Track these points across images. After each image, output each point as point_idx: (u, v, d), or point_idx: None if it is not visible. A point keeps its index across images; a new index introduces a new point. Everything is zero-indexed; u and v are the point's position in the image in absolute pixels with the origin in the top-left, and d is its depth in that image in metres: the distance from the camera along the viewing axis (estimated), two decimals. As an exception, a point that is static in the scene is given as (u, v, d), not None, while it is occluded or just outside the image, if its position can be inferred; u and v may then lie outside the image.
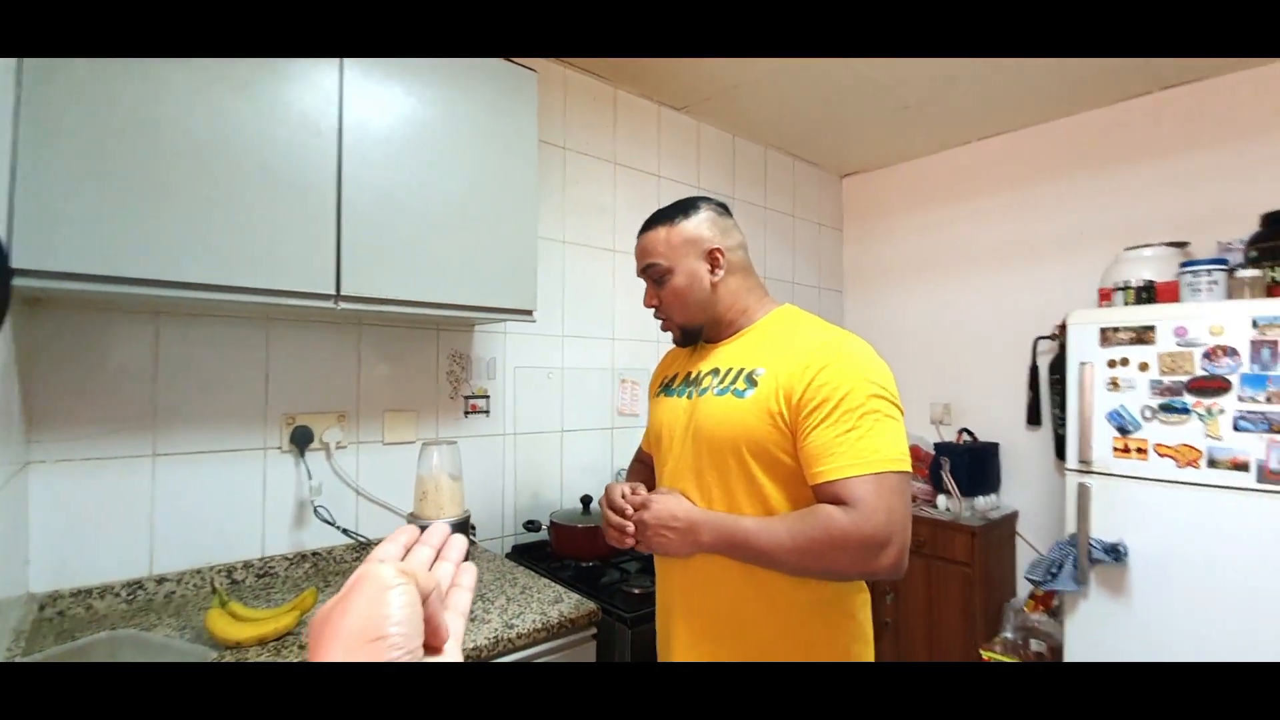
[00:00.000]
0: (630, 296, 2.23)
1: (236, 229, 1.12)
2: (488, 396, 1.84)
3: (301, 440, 1.48)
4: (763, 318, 1.05)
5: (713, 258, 1.03)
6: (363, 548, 1.57)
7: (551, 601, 1.34)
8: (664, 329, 1.10)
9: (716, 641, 0.98)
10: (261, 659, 1.06)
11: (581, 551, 1.75)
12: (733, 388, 0.98)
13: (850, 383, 0.88)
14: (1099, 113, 2.34)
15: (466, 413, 1.80)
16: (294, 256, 1.18)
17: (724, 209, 1.08)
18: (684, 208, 1.05)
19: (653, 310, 1.09)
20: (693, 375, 1.08)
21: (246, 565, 1.42)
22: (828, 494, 0.86)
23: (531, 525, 1.84)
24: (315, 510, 1.49)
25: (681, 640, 1.03)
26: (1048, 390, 2.38)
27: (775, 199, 2.80)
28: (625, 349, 2.21)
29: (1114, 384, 1.84)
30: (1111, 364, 1.84)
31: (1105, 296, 2.05)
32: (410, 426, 1.67)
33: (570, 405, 2.05)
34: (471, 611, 1.26)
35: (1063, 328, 2.01)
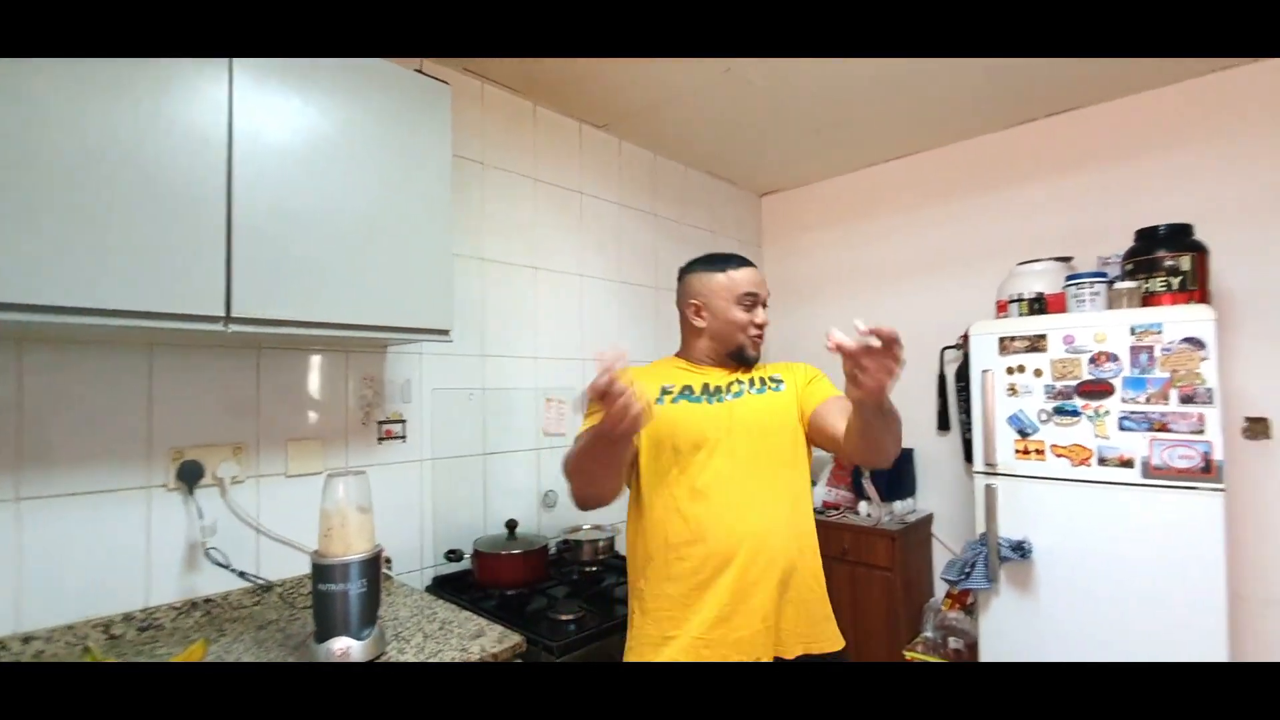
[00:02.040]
0: (555, 314, 2.19)
1: (111, 247, 1.02)
2: (403, 421, 1.75)
3: (191, 476, 1.36)
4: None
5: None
6: (263, 591, 1.45)
7: (472, 636, 1.28)
8: (756, 344, 1.28)
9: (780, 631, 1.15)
10: None
11: (507, 580, 1.69)
12: (768, 387, 1.25)
13: (810, 371, 1.30)
14: (992, 137, 2.51)
15: (380, 439, 1.70)
16: (177, 277, 1.09)
17: None
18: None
19: (757, 327, 1.27)
20: (712, 386, 1.24)
21: (128, 618, 1.28)
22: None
23: (453, 555, 1.76)
24: (207, 552, 1.36)
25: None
26: (955, 397, 2.51)
27: (695, 216, 2.85)
28: (550, 368, 2.17)
29: (1013, 389, 1.96)
30: (1010, 371, 1.96)
31: (1002, 308, 2.19)
32: (317, 456, 1.57)
33: (493, 427, 1.99)
34: (385, 652, 1.18)
35: (966, 338, 2.13)
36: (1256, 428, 1.95)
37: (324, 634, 1.13)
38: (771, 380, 1.27)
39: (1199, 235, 1.91)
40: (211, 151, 1.13)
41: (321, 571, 1.12)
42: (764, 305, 1.29)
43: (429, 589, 1.74)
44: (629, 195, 2.52)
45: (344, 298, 1.31)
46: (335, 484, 1.15)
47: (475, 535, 1.84)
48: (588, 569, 1.87)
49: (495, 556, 1.71)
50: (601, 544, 1.95)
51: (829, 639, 1.18)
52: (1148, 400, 1.75)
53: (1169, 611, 1.70)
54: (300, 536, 1.51)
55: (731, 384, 1.25)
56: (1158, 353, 1.75)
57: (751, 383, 1.26)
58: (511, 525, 1.83)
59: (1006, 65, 1.98)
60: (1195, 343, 1.71)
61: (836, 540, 2.41)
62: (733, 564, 1.11)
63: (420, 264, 1.44)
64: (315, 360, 1.59)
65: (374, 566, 1.17)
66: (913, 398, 2.68)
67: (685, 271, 1.36)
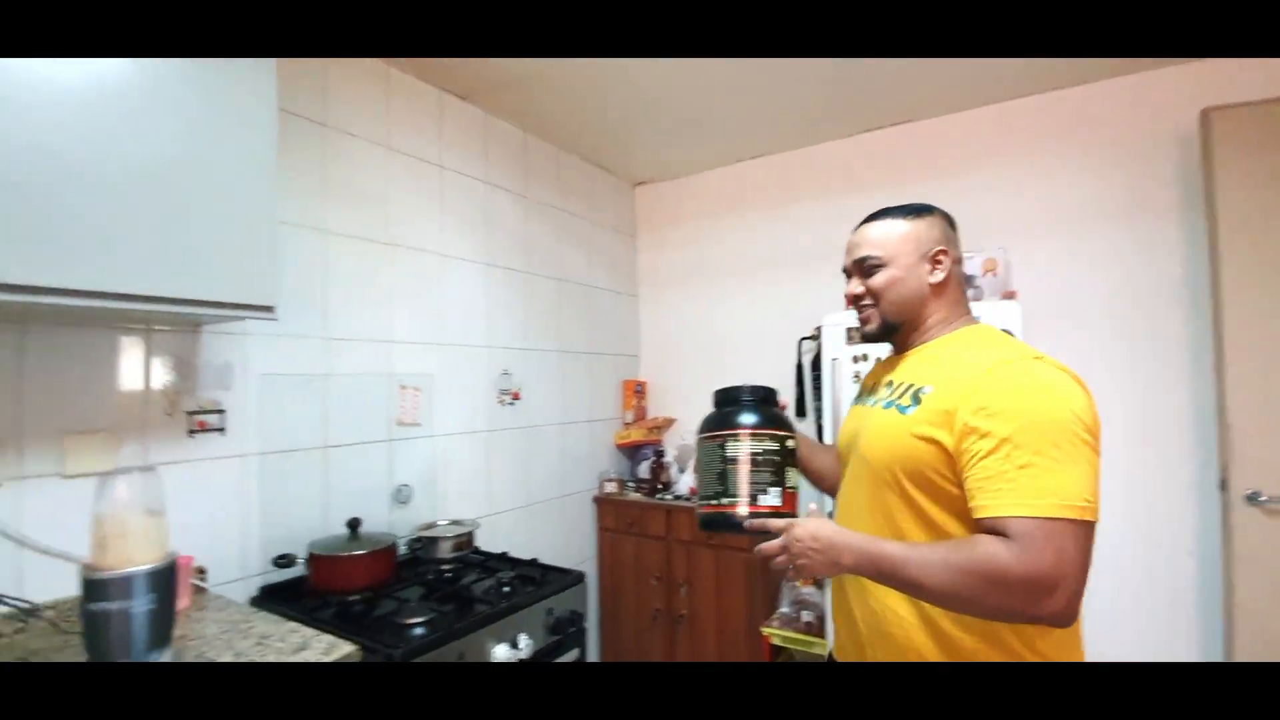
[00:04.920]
0: (412, 295, 2.03)
1: None
2: (222, 411, 1.53)
3: (-83, 480, 1.09)
4: (951, 332, 0.99)
5: (936, 259, 1.00)
6: (28, 615, 1.20)
7: (294, 649, 1.13)
8: (861, 321, 1.06)
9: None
10: None
11: (348, 584, 1.54)
12: (897, 403, 0.95)
13: (1028, 408, 0.80)
14: (843, 142, 2.68)
15: (192, 431, 1.48)
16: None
17: (953, 222, 1.06)
18: (916, 209, 1.03)
19: (854, 301, 1.05)
20: (878, 385, 1.05)
21: None
22: (987, 529, 0.79)
23: (284, 560, 1.57)
24: (-60, 574, 1.10)
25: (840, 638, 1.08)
26: (811, 385, 2.66)
27: (570, 201, 2.78)
28: (406, 352, 2.01)
29: (858, 377, 2.09)
30: (855, 359, 2.09)
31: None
32: (105, 452, 1.32)
33: (337, 417, 1.80)
34: (181, 678, 1.01)
35: (819, 330, 2.25)
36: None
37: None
38: (913, 395, 0.93)
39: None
40: (-66, 70, 0.89)
41: (93, 588, 0.94)
42: (862, 273, 1.03)
43: (254, 600, 1.54)
44: (498, 174, 2.40)
45: (132, 264, 1.10)
46: (112, 483, 0.97)
47: (313, 538, 1.66)
48: (444, 567, 1.76)
49: (333, 559, 1.55)
50: (460, 540, 1.84)
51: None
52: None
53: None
54: (82, 549, 1.26)
55: (884, 385, 1.02)
56: (978, 343, 1.94)
57: (895, 389, 0.98)
58: (354, 524, 1.67)
59: (852, 73, 2.11)
60: (1007, 332, 1.91)
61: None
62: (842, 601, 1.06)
63: (237, 228, 1.25)
64: (104, 339, 1.34)
65: (166, 579, 0.99)
66: (775, 385, 2.80)
67: None
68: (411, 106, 2.07)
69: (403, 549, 1.83)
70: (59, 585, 1.24)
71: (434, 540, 1.81)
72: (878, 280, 1.01)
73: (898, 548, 0.84)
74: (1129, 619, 2.10)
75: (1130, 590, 2.10)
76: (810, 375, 2.63)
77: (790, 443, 1.03)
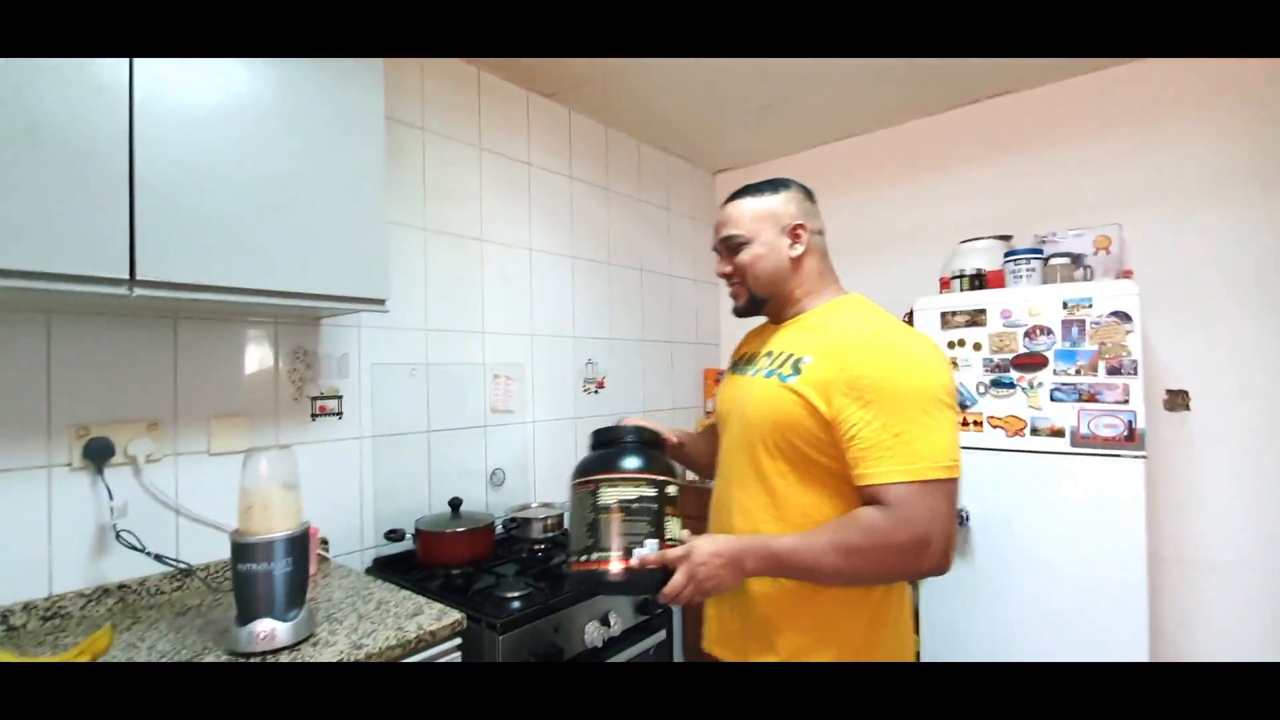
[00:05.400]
0: (503, 288, 2.13)
1: (-12, 199, 0.92)
2: (340, 397, 1.67)
3: (99, 454, 1.26)
4: (825, 304, 1.06)
5: (794, 233, 1.05)
6: (184, 576, 1.36)
7: (410, 615, 1.23)
8: (732, 296, 1.11)
9: (744, 630, 1.02)
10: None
11: (451, 558, 1.64)
12: (779, 372, 0.98)
13: (899, 379, 0.87)
14: (937, 119, 2.55)
15: (315, 416, 1.62)
16: (73, 235, 0.99)
17: (810, 194, 1.12)
18: (773, 185, 1.08)
19: (725, 278, 1.11)
20: (757, 355, 1.09)
21: (28, 607, 1.18)
22: (868, 496, 0.87)
23: (394, 535, 1.70)
24: (118, 535, 1.27)
25: (711, 627, 1.12)
26: (901, 373, 2.56)
27: (650, 193, 2.81)
28: (498, 343, 2.11)
29: (954, 363, 2.00)
30: (951, 345, 2.00)
31: (945, 284, 2.23)
32: (243, 433, 1.48)
33: (438, 404, 1.92)
34: (314, 635, 1.13)
35: (911, 314, 2.17)
36: (1175, 400, 2.05)
37: (246, 617, 1.06)
38: (793, 364, 0.96)
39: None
40: (109, 97, 1.03)
41: (241, 550, 1.06)
42: (729, 250, 1.08)
43: (369, 570, 1.68)
44: (581, 169, 2.46)
45: (268, 263, 1.22)
46: (256, 459, 1.08)
47: (418, 515, 1.78)
48: (537, 547, 1.84)
49: (438, 535, 1.66)
50: (550, 521, 1.92)
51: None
52: (1077, 372, 1.82)
53: (1094, 571, 1.77)
54: (226, 518, 1.42)
55: (763, 355, 1.06)
56: (1088, 326, 1.81)
57: (774, 359, 1.01)
58: (455, 504, 1.77)
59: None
60: (1122, 316, 1.77)
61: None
62: None
63: (352, 229, 1.36)
64: (240, 332, 1.50)
65: (301, 545, 1.10)
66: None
67: None
68: (501, 108, 2.15)
69: (499, 528, 1.93)
70: (207, 550, 1.41)
71: (527, 521, 1.90)
72: (743, 257, 1.06)
73: (788, 540, 0.88)
74: (1264, 617, 1.91)
75: (1265, 585, 1.91)
76: (900, 363, 2.53)
77: (671, 489, 0.94)
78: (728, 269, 1.10)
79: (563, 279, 2.37)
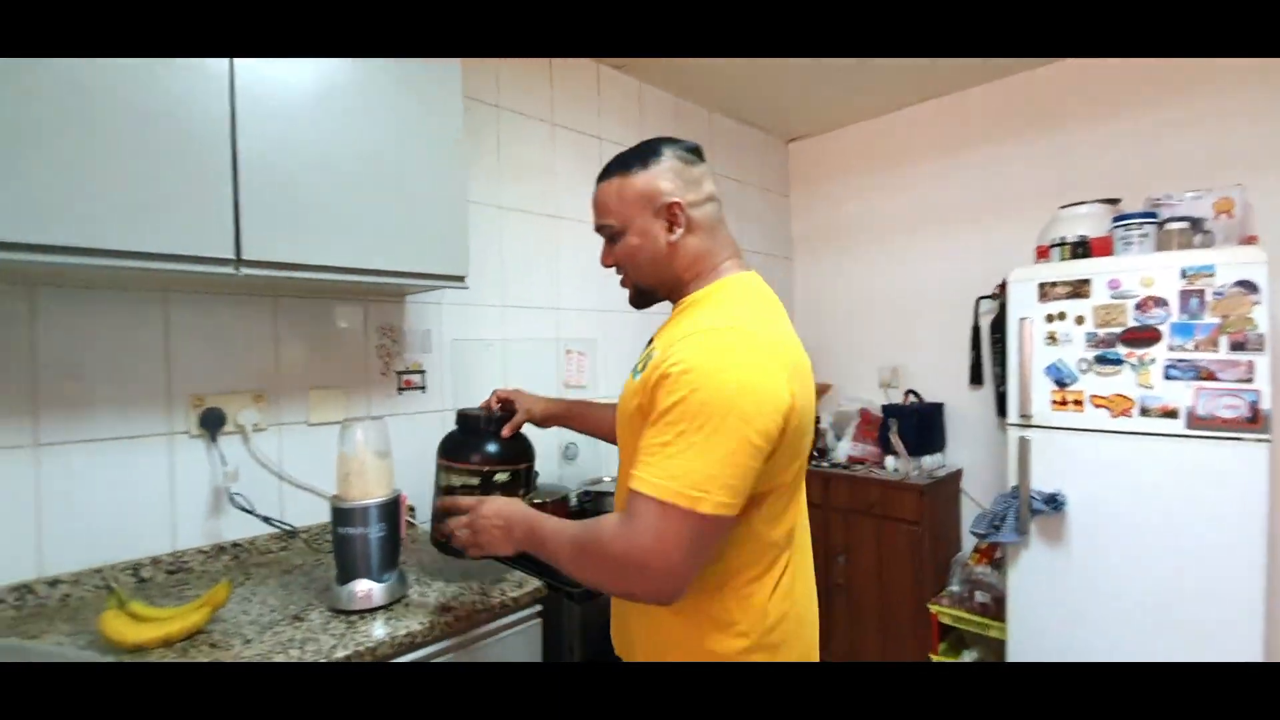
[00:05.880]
0: (576, 264, 2.14)
1: (111, 186, 0.98)
2: (423, 371, 1.74)
3: (213, 423, 1.36)
4: (703, 289, 0.91)
5: (670, 213, 0.89)
6: (288, 536, 1.46)
7: (493, 581, 1.27)
8: (622, 286, 1.00)
9: (619, 632, 1.00)
10: (167, 660, 0.96)
11: (528, 529, 1.68)
12: (637, 367, 0.88)
13: (688, 385, 0.73)
14: (1030, 74, 2.35)
15: (400, 389, 1.69)
16: (185, 217, 1.05)
17: (694, 153, 0.93)
18: (642, 155, 0.91)
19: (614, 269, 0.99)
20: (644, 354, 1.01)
21: (155, 561, 1.29)
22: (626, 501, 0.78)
23: (475, 504, 1.76)
24: (231, 498, 1.37)
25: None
26: (989, 349, 2.42)
27: (721, 163, 2.74)
28: (571, 319, 2.13)
29: (1052, 338, 1.87)
30: (1049, 318, 1.87)
31: (1043, 254, 2.08)
32: (338, 405, 1.56)
33: (514, 379, 1.96)
34: (407, 595, 1.18)
35: (1003, 286, 2.04)
36: (1313, 378, 1.84)
37: (345, 577, 1.13)
38: (649, 359, 0.85)
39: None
40: (214, 84, 1.08)
41: (341, 515, 1.12)
42: (611, 238, 0.95)
43: (452, 538, 1.75)
44: (649, 141, 2.42)
45: (358, 242, 1.27)
46: (353, 429, 1.14)
47: (497, 486, 1.84)
48: (609, 520, 1.86)
49: (517, 506, 1.70)
50: (623, 496, 1.94)
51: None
52: (1196, 347, 1.66)
53: (1204, 565, 1.64)
54: (323, 484, 1.51)
55: (647, 350, 0.92)
56: (1209, 297, 1.65)
57: (646, 355, 0.88)
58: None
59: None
60: (1248, 286, 1.60)
61: (863, 494, 2.38)
62: None
63: (434, 208, 1.39)
64: (333, 309, 1.57)
65: (393, 511, 1.16)
66: (944, 351, 2.60)
67: None
68: (572, 81, 2.14)
69: (572, 500, 1.96)
70: (309, 513, 1.50)
71: (600, 495, 1.92)
72: (620, 250, 0.93)
73: (553, 524, 0.87)
74: None
75: None
76: (990, 339, 2.40)
77: (500, 476, 1.10)
78: (610, 261, 0.97)
79: (633, 254, 2.35)
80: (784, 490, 0.85)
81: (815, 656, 0.96)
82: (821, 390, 2.98)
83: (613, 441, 1.11)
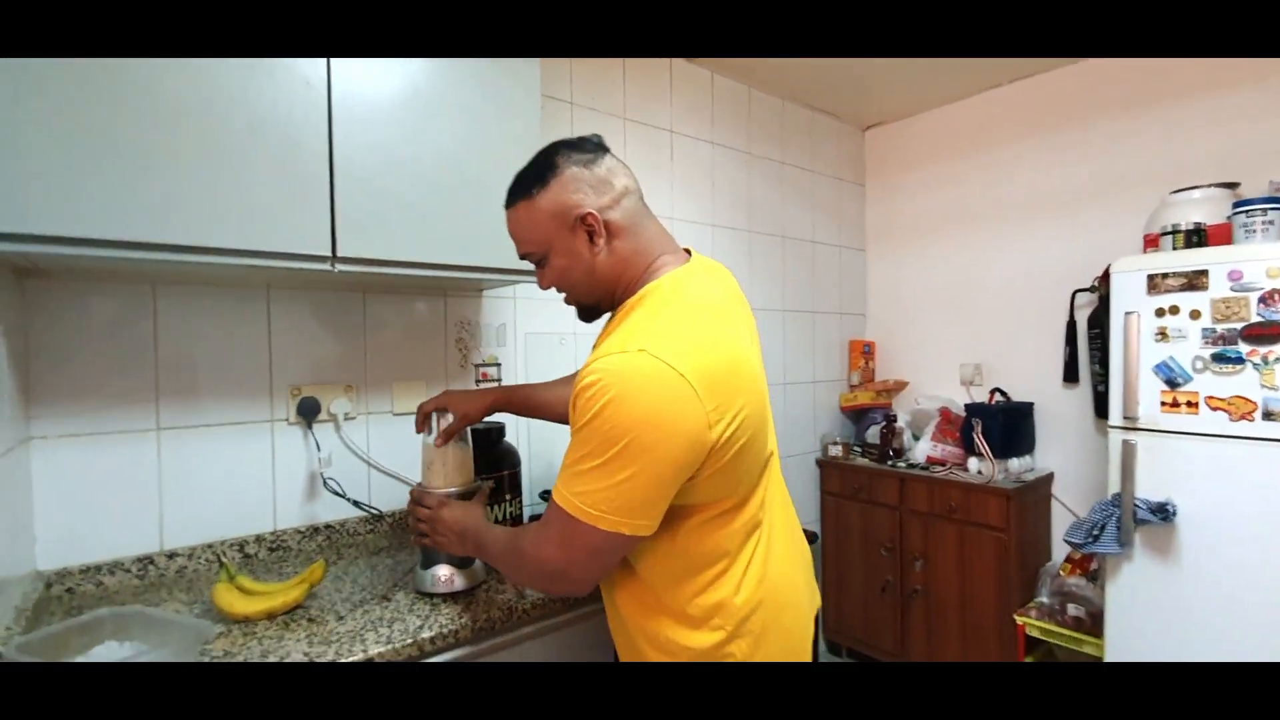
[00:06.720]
0: (644, 259, 2.14)
1: (225, 188, 1.06)
2: (499, 364, 1.78)
3: (309, 412, 1.44)
4: (634, 296, 0.87)
5: (587, 225, 0.85)
6: (375, 520, 1.54)
7: (568, 571, 1.30)
8: (566, 304, 0.97)
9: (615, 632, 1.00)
10: (270, 632, 1.03)
11: (600, 521, 1.70)
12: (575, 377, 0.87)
13: (594, 409, 0.73)
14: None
15: (477, 381, 1.74)
16: (287, 216, 1.12)
17: (595, 149, 0.88)
18: (539, 173, 0.86)
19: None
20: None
21: (259, 539, 1.39)
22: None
23: (546, 495, 1.79)
24: (325, 483, 1.45)
25: None
26: (1086, 345, 2.26)
27: (793, 154, 2.68)
28: (640, 314, 2.14)
29: (1162, 334, 1.72)
30: (1159, 313, 1.72)
31: (1151, 243, 1.92)
32: (420, 396, 1.62)
33: (585, 373, 1.99)
34: (487, 583, 1.22)
35: (1104, 278, 1.90)
36: None
37: (429, 561, 1.17)
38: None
39: None
40: (313, 92, 1.14)
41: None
42: (539, 263, 0.91)
43: (525, 527, 1.80)
44: (722, 134, 2.40)
45: (440, 239, 1.31)
46: (436, 420, 1.18)
47: (568, 478, 1.87)
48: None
49: (588, 498, 1.73)
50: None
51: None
52: (1336, 346, 1.49)
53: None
54: (406, 471, 1.58)
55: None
56: (1353, 290, 1.47)
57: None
58: (603, 469, 1.84)
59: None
60: (1406, 276, 1.42)
61: (943, 497, 2.28)
62: None
63: (512, 204, 1.42)
64: (415, 304, 1.63)
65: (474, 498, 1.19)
66: (1034, 348, 2.45)
67: None
68: (643, 75, 2.14)
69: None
70: (395, 498, 1.57)
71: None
72: (548, 275, 0.91)
73: (493, 534, 0.97)
74: None
75: None
76: (1087, 334, 2.24)
77: (484, 485, 1.22)
78: (545, 284, 0.93)
79: (702, 248, 2.32)
80: (743, 495, 0.85)
81: (806, 641, 0.94)
82: (897, 388, 2.87)
83: (563, 422, 1.04)
